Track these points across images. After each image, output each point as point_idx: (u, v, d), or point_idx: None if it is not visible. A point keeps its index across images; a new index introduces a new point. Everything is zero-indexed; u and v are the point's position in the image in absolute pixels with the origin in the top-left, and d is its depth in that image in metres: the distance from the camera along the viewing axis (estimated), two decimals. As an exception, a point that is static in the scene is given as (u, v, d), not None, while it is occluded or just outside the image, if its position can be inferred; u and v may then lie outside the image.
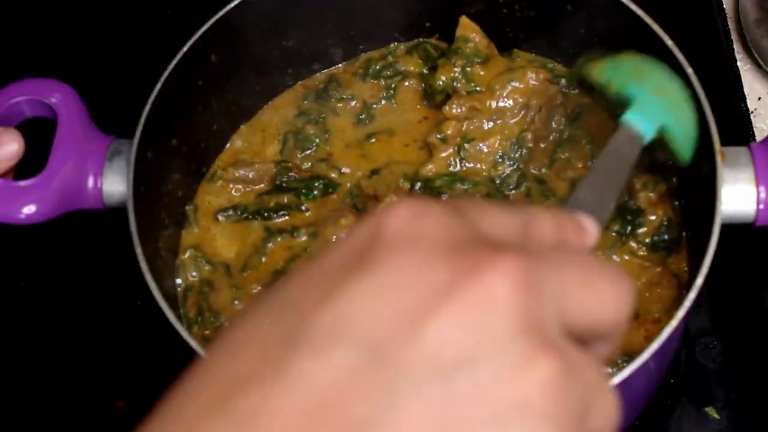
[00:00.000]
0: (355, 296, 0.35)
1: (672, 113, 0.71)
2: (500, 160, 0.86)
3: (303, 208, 0.86)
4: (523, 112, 0.86)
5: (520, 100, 0.85)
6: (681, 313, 0.68)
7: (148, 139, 0.77)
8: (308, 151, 0.90)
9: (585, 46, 0.87)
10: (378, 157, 0.89)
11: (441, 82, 0.87)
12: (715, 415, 0.83)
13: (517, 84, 0.86)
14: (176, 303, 0.82)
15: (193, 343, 0.69)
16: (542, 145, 0.86)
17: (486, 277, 0.35)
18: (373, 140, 0.90)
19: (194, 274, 0.84)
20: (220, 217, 0.86)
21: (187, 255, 0.84)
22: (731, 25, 1.02)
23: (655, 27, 0.78)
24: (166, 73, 0.79)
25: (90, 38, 1.08)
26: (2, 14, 1.11)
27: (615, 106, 0.71)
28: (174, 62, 0.80)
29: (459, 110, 0.85)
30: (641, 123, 0.66)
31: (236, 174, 0.88)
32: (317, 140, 0.90)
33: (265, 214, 0.86)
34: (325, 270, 0.37)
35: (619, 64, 0.74)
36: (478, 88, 0.86)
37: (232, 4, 0.83)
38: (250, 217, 0.86)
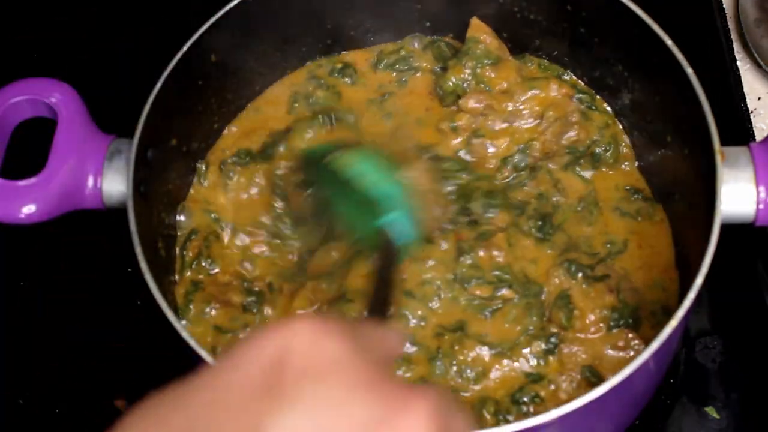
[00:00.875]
0: None
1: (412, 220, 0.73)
2: (503, 162, 0.86)
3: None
4: (537, 122, 0.86)
5: (537, 108, 0.86)
6: (681, 313, 0.68)
7: (147, 138, 0.77)
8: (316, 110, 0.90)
9: (587, 48, 0.87)
10: (393, 115, 0.90)
11: (451, 83, 0.87)
12: (715, 415, 0.83)
13: (538, 92, 0.86)
14: (176, 303, 0.82)
15: (193, 343, 0.69)
16: (550, 165, 0.86)
17: (410, 418, 0.38)
18: (387, 97, 0.91)
19: (200, 220, 0.85)
20: (229, 161, 0.87)
21: (195, 203, 0.86)
22: (731, 25, 1.02)
23: (655, 27, 0.78)
24: (166, 73, 0.79)
25: (90, 38, 1.08)
26: (2, 14, 1.11)
27: (362, 203, 0.72)
28: (174, 62, 0.80)
29: (476, 105, 0.86)
30: (399, 227, 0.70)
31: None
32: (326, 102, 0.90)
33: (266, 154, 0.87)
34: (233, 398, 0.37)
35: (372, 160, 0.75)
36: (488, 89, 0.86)
37: (232, 4, 0.83)
38: (258, 159, 0.87)
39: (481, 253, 0.81)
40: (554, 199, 0.85)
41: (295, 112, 0.90)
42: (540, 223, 0.83)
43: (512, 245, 0.82)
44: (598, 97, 0.89)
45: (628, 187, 0.86)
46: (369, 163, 0.75)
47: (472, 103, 0.86)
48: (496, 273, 0.81)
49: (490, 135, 0.86)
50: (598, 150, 0.86)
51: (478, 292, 0.80)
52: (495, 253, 0.81)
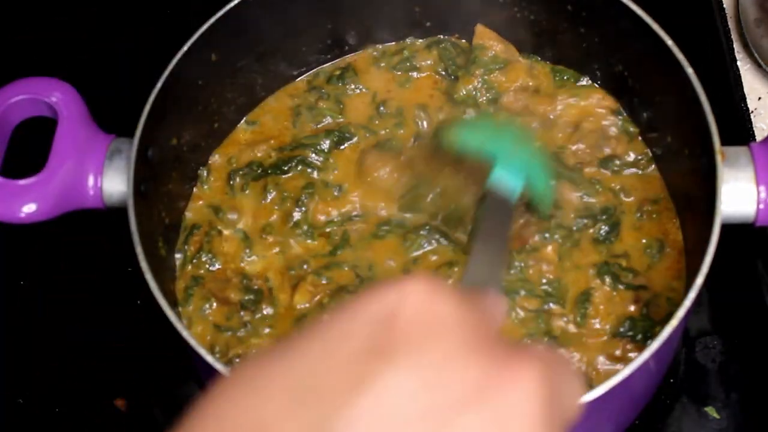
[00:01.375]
0: (382, 392, 0.36)
1: (532, 164, 0.71)
2: None
3: (315, 160, 0.87)
4: (570, 130, 0.86)
5: (574, 117, 0.86)
6: (681, 313, 0.68)
7: (148, 138, 0.77)
8: (322, 123, 0.90)
9: (586, 48, 0.87)
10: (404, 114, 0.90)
11: (463, 93, 0.88)
12: (715, 415, 0.83)
13: (577, 101, 0.86)
14: (175, 297, 0.82)
15: (193, 343, 0.69)
16: (586, 170, 0.85)
17: (519, 385, 0.38)
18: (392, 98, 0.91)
19: (202, 215, 0.86)
20: (240, 172, 0.87)
21: (198, 200, 0.86)
22: (731, 25, 1.02)
23: (655, 27, 0.78)
24: (166, 73, 0.79)
25: (90, 38, 1.08)
26: (2, 14, 1.11)
27: (477, 170, 0.71)
28: (174, 62, 0.80)
29: (514, 103, 0.86)
30: (509, 179, 0.67)
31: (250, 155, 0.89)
32: (330, 113, 0.90)
33: (280, 167, 0.87)
34: (345, 353, 0.37)
35: (474, 125, 0.75)
36: (505, 100, 0.87)
37: (232, 4, 0.83)
38: (267, 172, 0.87)
39: (531, 266, 0.81)
40: (621, 199, 0.84)
41: (299, 124, 0.90)
42: (606, 226, 0.82)
43: (562, 258, 0.81)
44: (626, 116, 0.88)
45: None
46: (475, 129, 0.74)
47: (511, 101, 0.86)
48: (545, 287, 0.80)
49: None
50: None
51: (525, 305, 0.79)
52: (545, 267, 0.81)
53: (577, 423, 0.67)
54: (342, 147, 0.88)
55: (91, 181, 0.78)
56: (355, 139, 0.88)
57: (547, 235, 0.81)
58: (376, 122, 0.90)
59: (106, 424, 0.87)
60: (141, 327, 0.89)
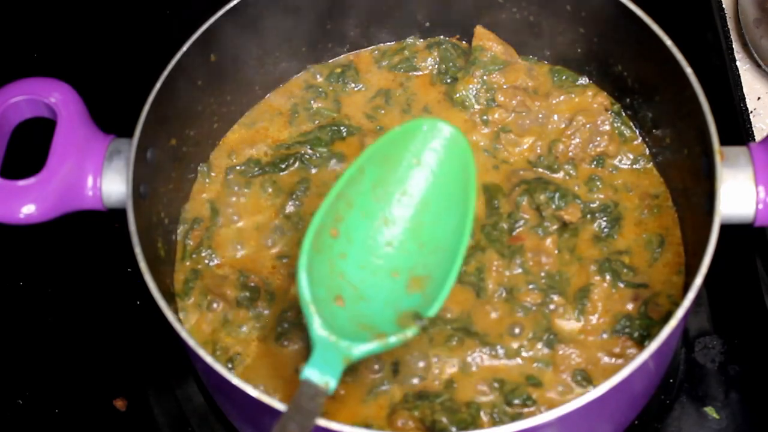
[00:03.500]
0: None
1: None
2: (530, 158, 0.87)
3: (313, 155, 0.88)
4: (564, 125, 0.87)
5: (567, 114, 0.87)
6: (680, 313, 0.68)
7: (147, 138, 0.77)
8: (319, 121, 0.90)
9: (585, 48, 0.88)
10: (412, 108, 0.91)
11: (462, 94, 0.88)
12: (715, 415, 0.83)
13: (572, 96, 0.87)
14: (175, 301, 0.82)
15: (192, 343, 0.69)
16: (577, 167, 0.86)
17: None
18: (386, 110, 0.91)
19: (203, 210, 0.86)
20: (237, 168, 0.88)
21: (198, 194, 0.87)
22: (731, 25, 1.02)
23: (655, 27, 0.78)
24: (165, 73, 0.79)
25: (90, 38, 1.08)
26: (2, 14, 1.11)
27: None
28: (174, 62, 0.80)
29: (511, 101, 0.87)
30: (322, 373, 0.62)
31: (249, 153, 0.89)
32: (327, 111, 0.91)
33: (277, 165, 0.87)
34: None
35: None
36: (501, 98, 0.87)
37: (232, 4, 0.83)
38: (265, 169, 0.87)
39: (529, 259, 0.81)
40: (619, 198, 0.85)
41: (296, 122, 0.91)
42: (606, 223, 0.83)
43: (561, 251, 0.82)
44: (624, 115, 0.88)
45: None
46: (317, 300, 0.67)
47: (508, 99, 0.86)
48: (545, 280, 0.80)
49: (518, 132, 0.87)
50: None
51: (528, 301, 0.80)
52: (543, 259, 0.81)
53: (577, 422, 0.67)
54: (340, 140, 0.89)
55: (90, 181, 0.78)
56: (352, 131, 0.89)
57: (541, 231, 0.82)
58: (375, 115, 0.90)
59: (106, 424, 0.87)
60: (141, 327, 0.89)
